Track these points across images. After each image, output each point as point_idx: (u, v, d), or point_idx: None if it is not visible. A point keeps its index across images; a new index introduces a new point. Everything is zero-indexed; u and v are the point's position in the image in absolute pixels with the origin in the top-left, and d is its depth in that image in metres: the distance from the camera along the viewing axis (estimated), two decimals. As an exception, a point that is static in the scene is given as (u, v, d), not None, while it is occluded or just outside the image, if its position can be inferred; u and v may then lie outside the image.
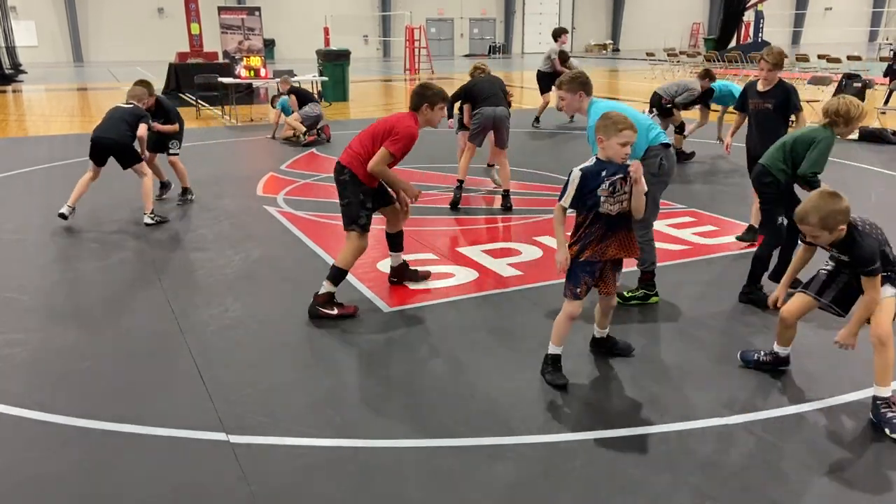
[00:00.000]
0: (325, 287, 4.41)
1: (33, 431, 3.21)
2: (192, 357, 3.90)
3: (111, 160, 6.57)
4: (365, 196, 4.39)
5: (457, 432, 3.16)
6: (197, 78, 14.72)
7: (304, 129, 10.90)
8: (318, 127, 11.18)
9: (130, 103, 6.64)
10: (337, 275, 4.43)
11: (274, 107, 11.79)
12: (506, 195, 7.02)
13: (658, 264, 5.33)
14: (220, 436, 3.13)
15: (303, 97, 11.51)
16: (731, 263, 5.40)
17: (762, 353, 3.74)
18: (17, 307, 4.63)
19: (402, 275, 4.94)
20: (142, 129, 6.54)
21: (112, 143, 6.44)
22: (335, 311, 4.40)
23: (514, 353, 3.95)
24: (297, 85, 12.15)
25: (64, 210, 6.43)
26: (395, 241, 4.86)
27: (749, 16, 33.02)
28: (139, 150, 6.60)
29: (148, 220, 6.47)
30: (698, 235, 6.09)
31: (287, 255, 5.65)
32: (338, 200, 4.52)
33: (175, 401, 3.45)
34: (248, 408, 3.36)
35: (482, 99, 6.84)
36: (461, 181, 7.04)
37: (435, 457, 3.00)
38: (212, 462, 2.96)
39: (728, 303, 4.63)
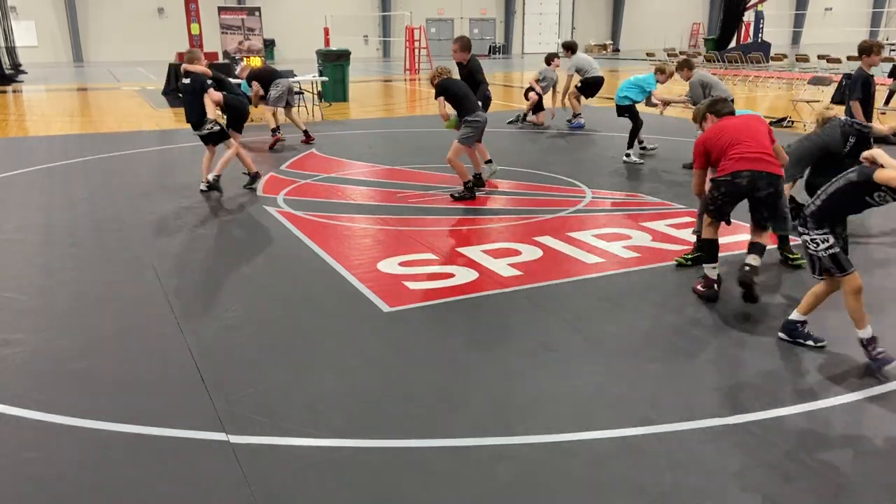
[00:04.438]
0: (753, 260, 4.57)
1: (33, 431, 3.21)
2: (193, 357, 3.90)
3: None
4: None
5: (457, 432, 3.16)
6: (197, 78, 14.68)
7: (274, 124, 10.33)
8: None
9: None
10: (762, 249, 4.68)
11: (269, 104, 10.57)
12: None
13: (658, 264, 5.35)
14: (220, 436, 3.13)
15: (265, 77, 10.56)
16: (732, 263, 5.40)
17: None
18: (17, 307, 4.63)
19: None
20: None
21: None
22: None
23: (513, 354, 3.95)
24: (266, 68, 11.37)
25: (203, 186, 7.58)
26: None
27: (749, 16, 33.03)
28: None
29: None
30: (698, 235, 6.09)
31: (287, 255, 5.65)
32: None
33: (175, 401, 3.45)
34: (248, 408, 3.36)
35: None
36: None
37: (435, 457, 3.00)
38: (212, 462, 2.96)
39: (728, 302, 4.63)
